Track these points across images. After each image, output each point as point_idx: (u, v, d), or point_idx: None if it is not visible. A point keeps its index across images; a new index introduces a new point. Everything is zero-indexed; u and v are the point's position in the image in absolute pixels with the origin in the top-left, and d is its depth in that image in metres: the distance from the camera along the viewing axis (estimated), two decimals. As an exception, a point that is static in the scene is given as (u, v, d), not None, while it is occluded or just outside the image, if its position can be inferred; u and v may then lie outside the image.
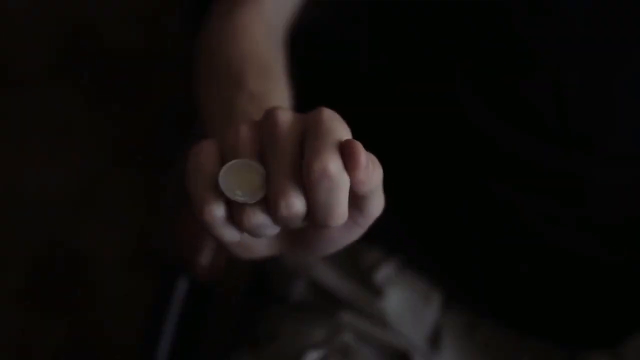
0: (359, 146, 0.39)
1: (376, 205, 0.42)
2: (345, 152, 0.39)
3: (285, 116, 0.42)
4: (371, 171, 0.40)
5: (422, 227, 0.74)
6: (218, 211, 0.40)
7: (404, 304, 0.73)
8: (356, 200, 0.41)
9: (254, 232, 0.41)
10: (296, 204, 0.39)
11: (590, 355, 0.71)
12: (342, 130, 0.40)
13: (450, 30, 0.72)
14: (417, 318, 0.72)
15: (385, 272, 0.73)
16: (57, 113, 1.41)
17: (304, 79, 0.68)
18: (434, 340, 0.72)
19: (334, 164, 0.39)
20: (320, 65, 0.82)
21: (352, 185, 0.40)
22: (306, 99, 0.65)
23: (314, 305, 0.74)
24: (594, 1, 0.68)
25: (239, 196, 0.40)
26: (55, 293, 1.31)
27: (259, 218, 0.40)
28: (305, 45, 0.75)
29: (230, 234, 0.41)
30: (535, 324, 0.72)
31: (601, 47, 0.68)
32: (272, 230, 0.41)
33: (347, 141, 0.39)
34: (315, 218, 0.40)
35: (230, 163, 0.41)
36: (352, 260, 0.75)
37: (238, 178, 0.40)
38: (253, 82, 0.58)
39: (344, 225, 0.44)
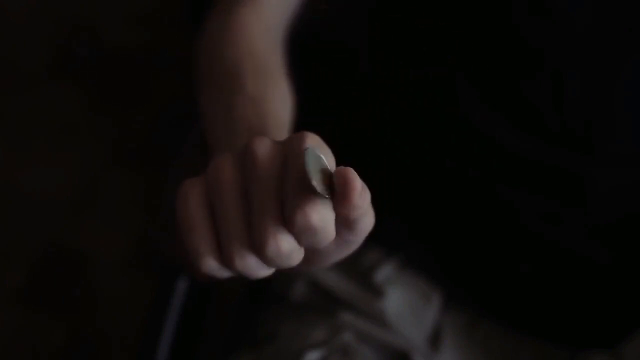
0: (354, 174, 0.39)
1: (367, 223, 0.42)
2: (340, 181, 0.39)
3: (264, 148, 0.41)
4: (364, 194, 0.39)
5: (422, 227, 0.74)
6: (283, 244, 0.40)
7: (404, 304, 0.73)
8: (347, 221, 0.41)
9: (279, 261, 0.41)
10: (284, 245, 0.39)
11: (590, 355, 0.71)
12: (324, 160, 0.40)
13: (450, 31, 0.72)
14: (417, 318, 0.72)
15: (385, 272, 0.73)
16: (57, 113, 1.41)
17: (304, 80, 0.68)
18: (434, 340, 0.72)
19: (316, 215, 0.39)
20: (319, 67, 0.82)
21: (345, 212, 0.39)
22: (306, 100, 0.65)
23: (314, 305, 0.74)
24: (595, 1, 0.68)
25: (322, 190, 0.39)
26: (55, 293, 1.31)
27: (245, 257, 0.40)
28: (304, 46, 0.75)
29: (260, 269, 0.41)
30: (535, 324, 0.72)
31: (602, 47, 0.68)
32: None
33: (341, 170, 0.39)
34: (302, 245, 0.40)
35: (310, 151, 0.40)
36: (352, 260, 0.74)
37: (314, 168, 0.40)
38: (251, 85, 0.58)
39: (335, 244, 0.43)
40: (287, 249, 0.39)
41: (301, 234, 0.39)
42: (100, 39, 1.46)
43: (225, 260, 0.41)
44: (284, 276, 0.77)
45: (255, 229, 0.40)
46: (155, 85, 1.42)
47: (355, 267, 0.74)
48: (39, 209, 1.35)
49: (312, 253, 0.45)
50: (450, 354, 0.72)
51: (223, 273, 0.42)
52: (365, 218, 0.42)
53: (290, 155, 0.41)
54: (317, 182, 0.39)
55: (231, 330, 0.83)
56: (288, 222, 0.39)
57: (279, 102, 0.57)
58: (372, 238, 0.73)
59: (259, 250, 0.40)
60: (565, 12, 0.68)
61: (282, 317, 0.74)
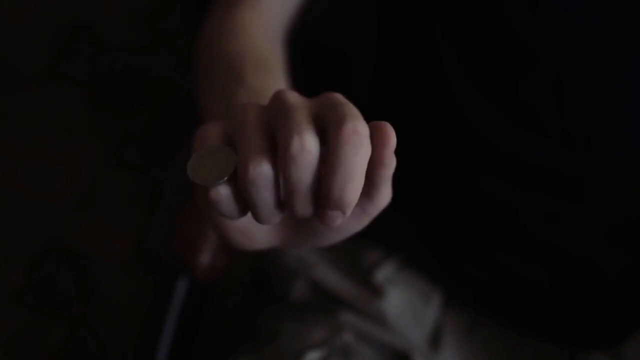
0: (391, 128, 0.40)
1: (386, 194, 0.43)
2: (377, 131, 0.40)
3: (294, 95, 0.42)
4: (393, 155, 0.40)
5: (422, 227, 0.74)
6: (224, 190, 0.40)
7: (404, 304, 0.73)
8: (368, 187, 0.42)
9: (225, 209, 0.41)
10: (264, 168, 0.39)
11: (590, 355, 0.71)
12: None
13: (450, 31, 0.72)
14: (417, 318, 0.72)
15: (385, 272, 0.73)
16: (57, 113, 1.41)
17: (303, 79, 0.68)
18: (434, 340, 0.72)
19: (364, 127, 0.39)
20: (318, 68, 0.82)
21: (375, 166, 0.40)
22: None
23: (314, 305, 0.74)
24: (594, 1, 0.68)
25: (208, 180, 0.41)
26: (55, 293, 1.31)
27: (225, 191, 0.40)
28: (304, 45, 0.75)
29: (231, 208, 0.41)
30: (536, 323, 0.72)
31: (601, 47, 0.68)
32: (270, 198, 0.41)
33: (379, 122, 0.40)
34: (330, 196, 0.39)
35: (198, 152, 0.41)
36: (352, 260, 0.75)
37: (209, 163, 0.41)
38: (252, 78, 0.58)
39: (352, 213, 0.43)
40: (267, 170, 0.39)
41: (346, 144, 0.39)
42: (100, 39, 1.46)
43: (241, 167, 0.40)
44: (284, 276, 0.77)
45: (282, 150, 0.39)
46: (155, 85, 1.42)
47: (355, 267, 0.74)
48: (39, 209, 1.35)
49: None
50: (450, 354, 0.72)
51: (230, 208, 0.41)
52: (386, 187, 0.42)
53: (326, 100, 0.41)
54: (211, 179, 0.41)
55: (231, 330, 0.83)
56: (334, 133, 0.39)
57: None
58: (373, 238, 0.74)
59: (240, 172, 0.40)
60: (565, 11, 0.68)
61: (282, 317, 0.74)
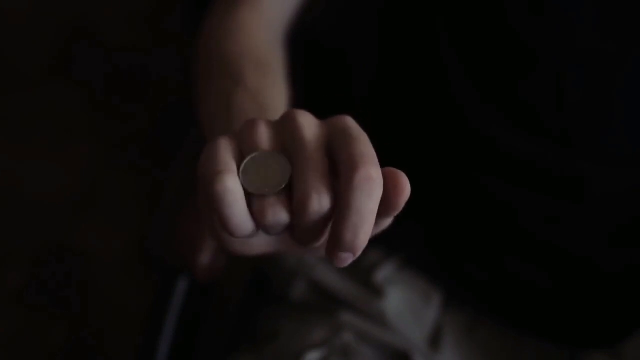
0: (405, 177, 0.41)
1: (389, 221, 0.44)
2: (392, 181, 0.40)
3: (307, 118, 0.42)
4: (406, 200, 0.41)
5: (422, 227, 0.74)
6: (233, 184, 0.39)
7: (404, 304, 0.73)
8: (377, 218, 0.42)
9: (272, 228, 0.41)
10: (325, 202, 0.39)
11: (590, 355, 0.71)
12: (369, 141, 0.41)
13: (450, 31, 0.72)
14: (417, 318, 0.72)
15: (385, 272, 0.73)
16: (57, 113, 1.41)
17: (303, 79, 0.68)
18: (434, 340, 0.72)
19: (377, 171, 0.39)
20: (318, 68, 0.82)
21: (387, 208, 0.41)
22: (304, 100, 0.65)
23: (314, 305, 0.74)
24: (594, 1, 0.68)
25: (258, 189, 0.40)
26: (55, 293, 1.31)
27: (282, 214, 0.40)
28: (304, 45, 0.75)
29: (244, 226, 0.41)
30: (535, 324, 0.72)
31: (601, 48, 0.68)
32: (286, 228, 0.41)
33: (394, 171, 0.41)
34: (342, 240, 0.40)
35: (252, 155, 0.41)
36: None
37: (260, 170, 0.41)
38: (251, 79, 0.58)
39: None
40: (326, 204, 0.40)
41: (357, 190, 0.39)
42: (100, 39, 1.46)
43: (258, 208, 0.40)
44: (284, 276, 0.77)
45: (298, 185, 0.40)
46: (155, 85, 1.42)
47: (355, 267, 0.74)
48: (39, 209, 1.35)
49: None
50: (450, 354, 0.72)
51: (233, 206, 0.40)
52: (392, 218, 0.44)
53: (340, 129, 0.41)
54: (255, 187, 0.40)
55: (231, 330, 0.83)
56: (348, 177, 0.39)
57: (277, 96, 0.57)
58: (373, 238, 0.74)
59: (299, 204, 0.40)
60: (565, 12, 0.68)
61: (282, 317, 0.74)
